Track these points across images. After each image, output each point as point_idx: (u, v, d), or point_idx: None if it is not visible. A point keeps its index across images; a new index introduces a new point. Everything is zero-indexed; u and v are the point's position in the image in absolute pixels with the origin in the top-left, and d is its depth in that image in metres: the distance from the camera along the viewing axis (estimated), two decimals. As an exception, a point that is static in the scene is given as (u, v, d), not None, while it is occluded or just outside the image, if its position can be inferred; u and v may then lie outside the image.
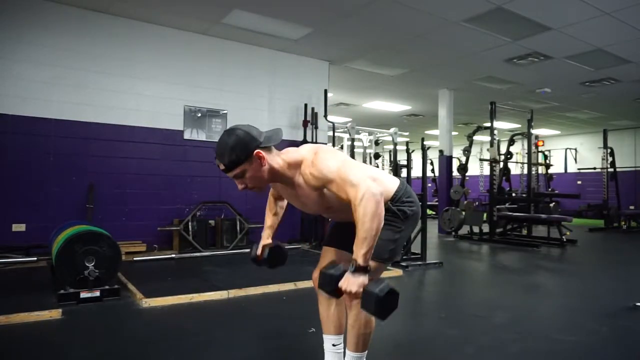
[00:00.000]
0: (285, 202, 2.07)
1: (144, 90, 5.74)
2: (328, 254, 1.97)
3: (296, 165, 1.68)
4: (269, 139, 1.65)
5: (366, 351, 1.89)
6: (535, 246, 7.01)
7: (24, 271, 4.45)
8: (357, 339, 1.82)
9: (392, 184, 1.84)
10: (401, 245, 1.87)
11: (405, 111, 11.40)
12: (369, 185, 1.49)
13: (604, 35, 5.88)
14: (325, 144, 7.23)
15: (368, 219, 1.45)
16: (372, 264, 1.75)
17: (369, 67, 7.63)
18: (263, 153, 1.61)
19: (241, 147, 1.58)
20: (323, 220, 6.09)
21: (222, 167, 1.61)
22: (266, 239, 2.03)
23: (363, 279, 1.45)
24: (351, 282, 1.45)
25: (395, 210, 1.79)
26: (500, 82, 8.36)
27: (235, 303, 3.50)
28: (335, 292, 1.48)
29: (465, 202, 8.45)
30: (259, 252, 2.00)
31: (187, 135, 6.06)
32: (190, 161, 6.03)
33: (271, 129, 1.70)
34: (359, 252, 1.46)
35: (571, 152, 15.06)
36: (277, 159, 1.67)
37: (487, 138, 8.35)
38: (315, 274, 2.05)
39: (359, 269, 1.46)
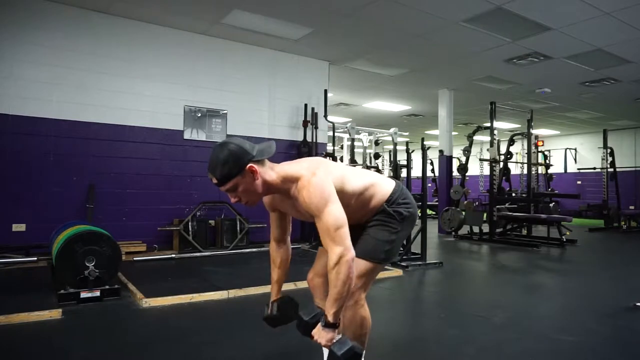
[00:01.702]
0: (288, 252, 2.00)
1: (144, 90, 5.74)
2: (323, 256, 1.98)
3: (292, 180, 1.66)
4: (262, 152, 1.64)
5: (363, 351, 1.89)
6: (535, 246, 7.01)
7: (24, 271, 4.44)
8: (353, 340, 1.82)
9: (387, 186, 1.87)
10: (398, 246, 1.88)
11: (405, 111, 11.40)
12: (344, 247, 1.55)
13: (604, 35, 5.88)
14: (326, 144, 7.24)
15: (340, 283, 1.54)
16: (368, 264, 1.78)
17: (369, 67, 7.63)
18: (256, 167, 1.61)
19: (233, 161, 1.57)
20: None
21: (214, 180, 1.61)
22: (274, 295, 1.96)
23: (332, 335, 1.57)
24: (321, 336, 1.58)
25: (391, 211, 1.82)
26: (500, 82, 8.36)
27: (235, 303, 3.50)
28: (309, 335, 1.65)
29: (465, 202, 8.45)
30: (269, 311, 1.94)
31: (187, 135, 6.06)
32: (190, 161, 6.03)
33: (264, 142, 1.69)
34: (330, 310, 1.57)
35: (571, 152, 15.06)
36: (270, 173, 1.66)
37: (487, 138, 8.35)
38: (310, 275, 2.07)
39: (329, 325, 1.57)
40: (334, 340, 1.57)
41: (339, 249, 1.55)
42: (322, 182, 1.61)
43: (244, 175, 1.60)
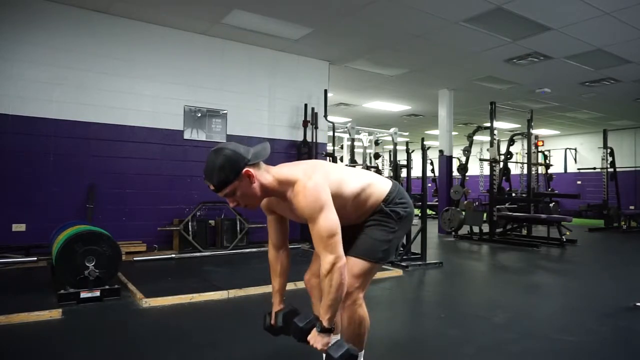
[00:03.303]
0: (288, 258, 2.00)
1: (144, 90, 5.74)
2: (319, 257, 1.98)
3: (289, 183, 1.67)
4: (257, 155, 1.65)
5: (363, 351, 1.90)
6: (535, 246, 7.01)
7: (24, 271, 4.44)
8: (352, 340, 1.83)
9: (385, 186, 1.88)
10: (395, 245, 1.88)
11: (405, 111, 11.40)
12: (336, 256, 1.59)
13: (604, 35, 5.88)
14: (326, 144, 7.23)
15: (334, 289, 1.59)
16: (365, 264, 1.78)
17: (369, 67, 7.63)
18: (252, 170, 1.62)
19: (229, 166, 1.58)
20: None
21: (211, 187, 1.61)
22: (277, 305, 1.94)
23: (327, 340, 1.63)
24: (317, 341, 1.64)
25: (388, 211, 1.83)
26: (500, 82, 8.36)
27: (235, 303, 3.50)
28: (305, 341, 1.71)
29: (465, 202, 8.45)
30: (272, 321, 1.92)
31: (187, 135, 6.06)
32: (190, 161, 6.03)
33: (258, 145, 1.69)
34: (325, 316, 1.62)
35: (571, 152, 15.06)
36: (266, 175, 1.67)
37: (487, 138, 8.35)
38: (307, 276, 2.08)
39: (324, 330, 1.63)
40: (330, 344, 1.61)
41: (331, 257, 1.59)
42: (317, 187, 1.62)
43: (241, 180, 1.61)
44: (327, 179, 1.68)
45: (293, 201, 1.66)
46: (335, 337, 1.65)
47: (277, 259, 1.96)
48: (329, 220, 1.60)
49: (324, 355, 1.73)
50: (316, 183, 1.62)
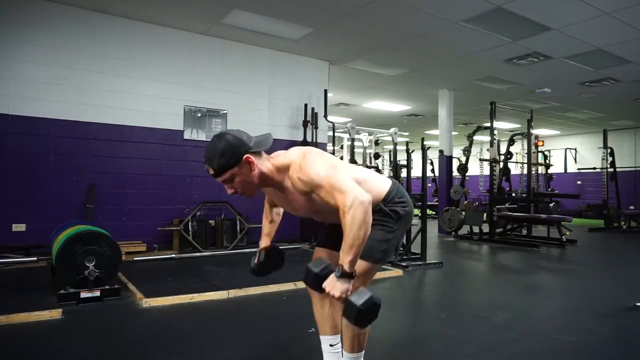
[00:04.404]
0: (281, 209, 2.05)
1: (144, 90, 5.74)
2: (320, 255, 1.97)
3: (284, 169, 1.66)
4: (259, 143, 1.65)
5: (363, 351, 1.89)
6: (535, 246, 7.00)
7: (24, 271, 4.45)
8: (352, 340, 1.82)
9: (384, 185, 1.84)
10: (394, 245, 1.86)
11: (405, 111, 11.40)
12: (357, 193, 1.47)
13: (604, 35, 5.88)
14: (326, 144, 7.23)
15: (356, 226, 1.44)
16: (364, 264, 1.75)
17: (369, 67, 7.63)
18: (252, 158, 1.61)
19: (231, 151, 1.57)
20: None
21: (211, 171, 1.60)
22: (262, 245, 2.00)
23: (347, 286, 1.47)
24: (335, 287, 1.47)
25: (387, 210, 1.79)
26: (500, 82, 8.36)
27: (235, 303, 3.50)
28: (319, 289, 1.52)
29: (465, 202, 8.45)
30: (256, 259, 1.97)
31: (187, 135, 6.06)
32: (190, 161, 6.03)
33: (261, 134, 1.69)
34: (346, 258, 1.47)
35: (571, 152, 15.06)
36: (266, 164, 1.67)
37: (487, 138, 8.35)
38: None
39: (345, 275, 1.47)
40: (349, 292, 1.47)
41: (351, 193, 1.47)
42: (312, 160, 1.61)
43: (241, 166, 1.60)
44: (323, 160, 1.64)
45: (292, 182, 1.63)
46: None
47: (271, 209, 2.04)
48: (334, 172, 1.55)
49: (328, 354, 1.69)
50: (310, 158, 1.61)
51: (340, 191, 1.49)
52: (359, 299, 1.41)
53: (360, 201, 1.45)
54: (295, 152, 1.70)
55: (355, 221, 1.44)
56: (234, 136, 1.60)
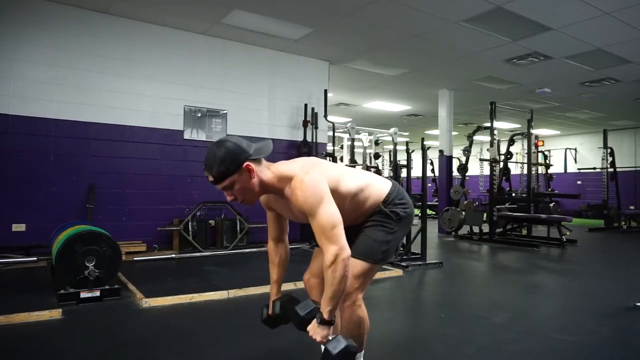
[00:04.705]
0: (287, 251, 2.01)
1: (144, 90, 5.74)
2: (319, 257, 1.98)
3: (287, 180, 1.66)
4: (259, 151, 1.65)
5: (362, 352, 1.90)
6: (535, 246, 7.00)
7: (24, 271, 4.44)
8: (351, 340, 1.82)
9: (384, 187, 1.86)
10: (394, 246, 1.87)
11: (405, 111, 11.40)
12: (340, 246, 1.55)
13: (604, 35, 5.88)
14: (326, 144, 7.24)
15: (337, 281, 1.55)
16: (365, 265, 1.78)
17: (369, 67, 7.63)
18: (252, 165, 1.61)
19: (230, 158, 1.57)
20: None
21: (211, 178, 1.61)
22: (274, 295, 1.96)
23: (327, 332, 1.59)
24: (316, 332, 1.60)
25: (388, 212, 1.82)
26: (500, 82, 8.36)
27: (235, 303, 3.50)
28: (304, 330, 1.67)
29: (465, 202, 8.45)
30: (270, 310, 1.91)
31: (187, 135, 6.06)
32: (190, 161, 6.03)
33: (261, 141, 1.69)
34: (326, 308, 1.58)
35: (571, 152, 15.06)
36: (266, 172, 1.66)
37: (487, 138, 8.35)
38: (306, 276, 2.07)
39: (324, 322, 1.59)
40: (329, 338, 1.58)
41: (335, 247, 1.55)
42: (315, 181, 1.60)
43: (241, 174, 1.60)
44: (325, 175, 1.66)
45: (291, 198, 1.64)
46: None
47: (276, 251, 1.98)
48: (329, 212, 1.58)
49: (323, 351, 1.72)
50: (313, 177, 1.61)
51: (328, 240, 1.56)
52: (335, 348, 1.55)
53: (342, 258, 1.55)
54: (300, 165, 1.69)
55: (336, 277, 1.54)
56: (233, 143, 1.60)
